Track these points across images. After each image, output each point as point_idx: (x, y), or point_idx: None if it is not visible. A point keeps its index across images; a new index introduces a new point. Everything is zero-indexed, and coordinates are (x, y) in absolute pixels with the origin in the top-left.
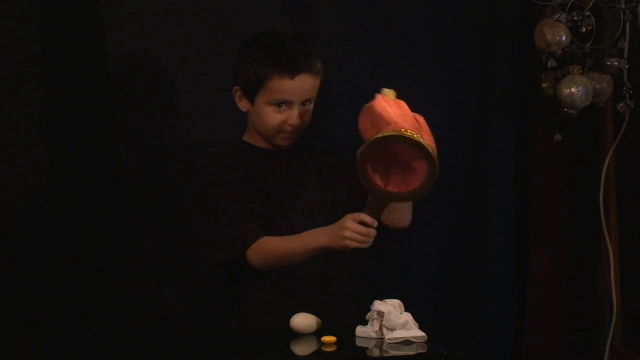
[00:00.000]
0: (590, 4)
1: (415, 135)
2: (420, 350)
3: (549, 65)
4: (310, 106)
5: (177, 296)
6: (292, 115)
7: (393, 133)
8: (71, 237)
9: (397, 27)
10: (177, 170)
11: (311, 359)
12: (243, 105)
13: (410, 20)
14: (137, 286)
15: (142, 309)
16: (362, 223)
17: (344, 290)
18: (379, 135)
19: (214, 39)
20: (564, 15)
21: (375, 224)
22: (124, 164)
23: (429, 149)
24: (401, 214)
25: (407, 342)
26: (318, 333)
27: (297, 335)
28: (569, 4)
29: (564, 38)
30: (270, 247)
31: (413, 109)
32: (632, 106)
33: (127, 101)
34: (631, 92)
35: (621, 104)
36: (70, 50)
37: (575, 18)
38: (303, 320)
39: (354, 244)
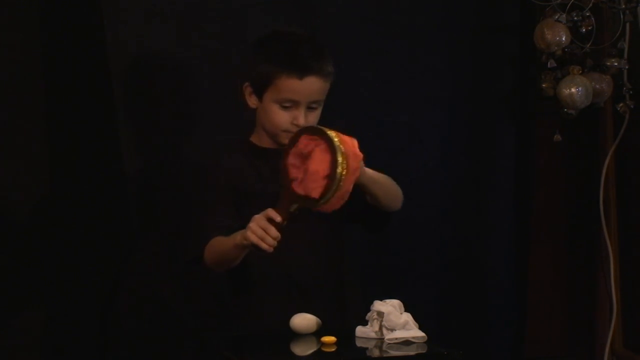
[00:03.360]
0: (590, 4)
1: (333, 135)
2: (420, 351)
3: (549, 66)
4: (318, 109)
5: (177, 296)
6: (298, 116)
7: (316, 127)
8: (71, 237)
9: (397, 27)
10: (178, 170)
11: (311, 359)
12: (252, 102)
13: (410, 21)
14: (137, 286)
15: (142, 309)
16: (270, 219)
17: (337, 290)
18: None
19: (215, 39)
20: (564, 15)
21: (278, 218)
22: (124, 164)
23: (338, 153)
24: (384, 198)
25: (407, 343)
26: (318, 333)
27: (297, 335)
28: (569, 4)
29: (564, 38)
30: (213, 245)
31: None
32: (632, 106)
33: (128, 101)
34: (631, 92)
35: (621, 105)
36: (71, 51)
37: (575, 18)
38: (303, 321)
39: (253, 237)
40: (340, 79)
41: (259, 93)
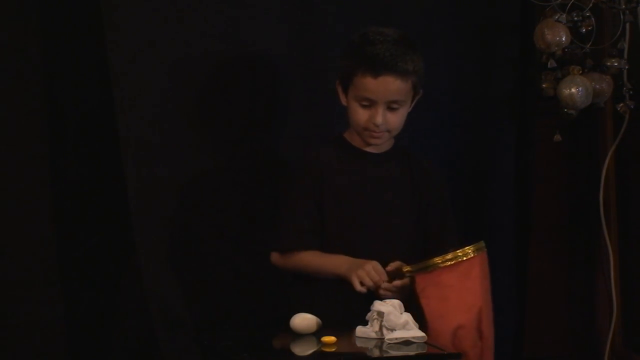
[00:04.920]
0: (590, 5)
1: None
2: (420, 350)
3: (549, 66)
4: (401, 110)
5: (177, 296)
6: (376, 115)
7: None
8: (71, 237)
9: (397, 27)
10: (178, 170)
11: (311, 359)
12: (343, 99)
13: (410, 21)
14: (137, 286)
15: (142, 308)
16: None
17: None
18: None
19: (215, 39)
20: (564, 15)
21: (385, 278)
22: (124, 163)
23: (452, 254)
24: None
25: (407, 343)
26: (318, 333)
27: (297, 335)
28: (569, 5)
29: (564, 38)
30: (307, 260)
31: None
32: (632, 106)
33: (129, 102)
34: (631, 92)
35: (621, 105)
36: (71, 52)
37: (575, 18)
38: (303, 321)
39: (356, 282)
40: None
41: (344, 90)
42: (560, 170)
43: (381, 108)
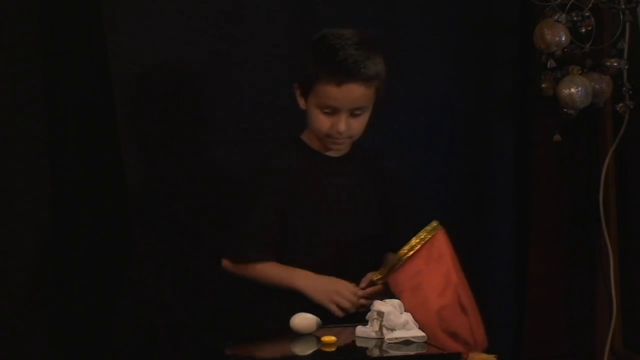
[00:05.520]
0: (590, 5)
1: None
2: (420, 350)
3: (548, 66)
4: (364, 115)
5: (177, 296)
6: (339, 122)
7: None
8: (72, 237)
9: (397, 27)
10: (178, 170)
11: (311, 359)
12: (302, 103)
13: (410, 21)
14: (137, 286)
15: (142, 309)
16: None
17: None
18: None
19: (215, 39)
20: (563, 15)
21: (360, 294)
22: (125, 165)
23: (416, 239)
24: None
25: (407, 342)
26: (318, 333)
27: (297, 335)
28: (568, 5)
29: (563, 38)
30: (262, 272)
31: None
32: (631, 106)
33: (129, 102)
34: (631, 92)
35: (621, 105)
36: (72, 55)
37: (575, 18)
38: (303, 321)
39: (334, 309)
40: None
41: (305, 95)
42: (560, 170)
43: (344, 115)
